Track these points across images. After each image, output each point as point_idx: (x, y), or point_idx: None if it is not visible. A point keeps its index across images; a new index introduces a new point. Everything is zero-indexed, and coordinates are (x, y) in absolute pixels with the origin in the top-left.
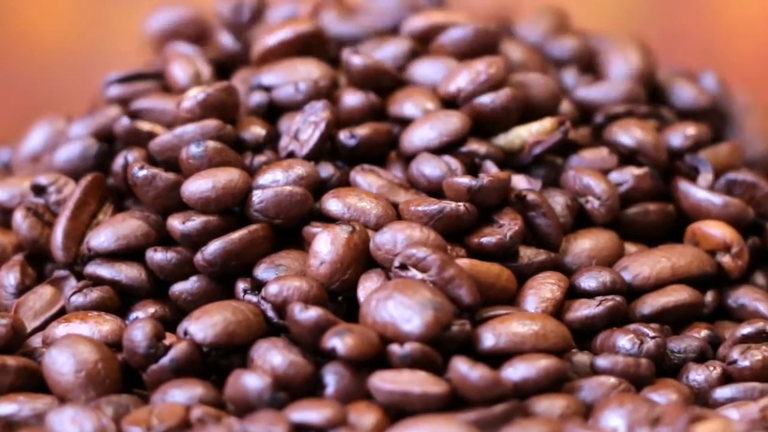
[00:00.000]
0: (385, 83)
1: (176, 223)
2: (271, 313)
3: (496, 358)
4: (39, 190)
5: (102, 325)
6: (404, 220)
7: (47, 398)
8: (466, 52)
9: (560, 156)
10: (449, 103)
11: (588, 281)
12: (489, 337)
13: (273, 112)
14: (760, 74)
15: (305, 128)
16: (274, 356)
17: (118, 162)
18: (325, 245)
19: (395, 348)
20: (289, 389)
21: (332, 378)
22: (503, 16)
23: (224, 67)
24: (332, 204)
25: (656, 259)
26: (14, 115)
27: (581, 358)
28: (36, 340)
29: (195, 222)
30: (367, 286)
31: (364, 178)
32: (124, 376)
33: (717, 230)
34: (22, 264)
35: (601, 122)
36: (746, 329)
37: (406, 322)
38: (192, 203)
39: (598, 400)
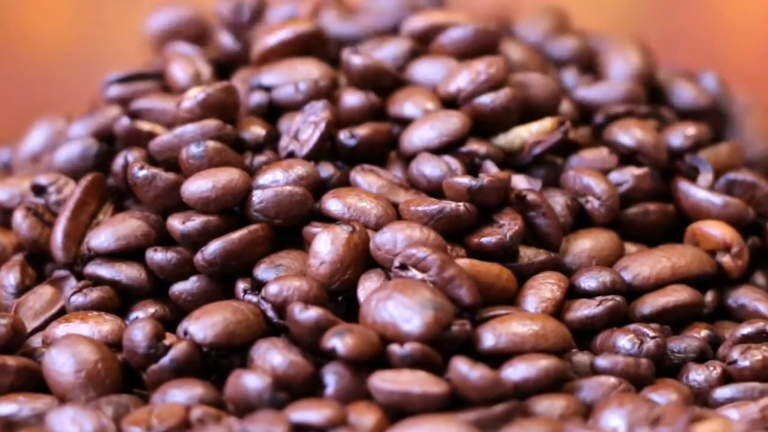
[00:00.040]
0: (385, 83)
1: (176, 223)
2: (271, 313)
3: (496, 358)
4: (39, 190)
5: (102, 325)
6: (404, 220)
7: (47, 398)
8: (465, 52)
9: (560, 156)
10: (449, 103)
11: (588, 281)
12: (489, 337)
13: (273, 112)
14: (760, 74)
15: (305, 128)
16: (274, 356)
17: (118, 162)
18: (325, 245)
19: (395, 348)
20: (289, 389)
21: (332, 378)
22: (503, 16)
23: (224, 67)
24: (332, 204)
25: (656, 259)
26: (14, 115)
27: (581, 358)
28: (36, 340)
29: (195, 222)
30: (367, 286)
31: (364, 178)
32: (124, 376)
33: (717, 230)
34: (22, 264)
35: (601, 122)
36: (746, 329)
37: (406, 322)
38: (192, 203)
39: (598, 400)
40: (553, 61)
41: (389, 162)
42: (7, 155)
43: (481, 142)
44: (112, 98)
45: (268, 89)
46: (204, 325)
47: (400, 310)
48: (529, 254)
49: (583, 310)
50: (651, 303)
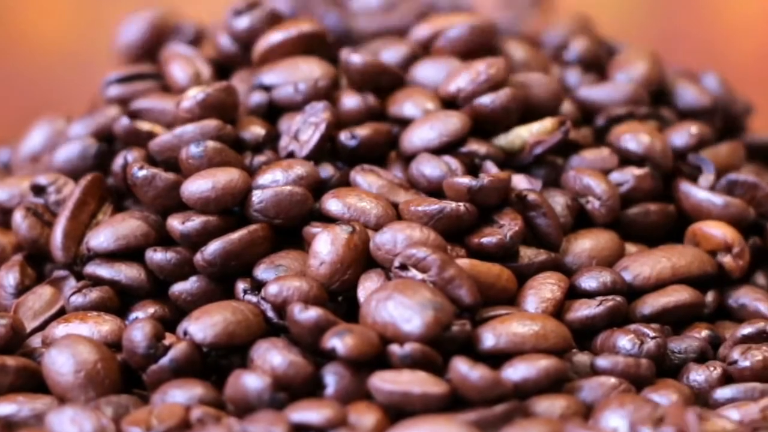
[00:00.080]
0: (385, 82)
1: (176, 223)
2: (270, 314)
3: (496, 359)
4: (38, 190)
5: (101, 326)
6: (404, 220)
7: (47, 398)
8: (464, 51)
9: (561, 156)
10: (449, 103)
11: (588, 281)
12: (489, 338)
13: (273, 112)
14: (760, 74)
15: (305, 129)
16: (273, 356)
17: (118, 162)
18: (325, 245)
19: (395, 348)
20: (289, 389)
21: (332, 378)
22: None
23: (224, 67)
24: (332, 204)
25: (657, 259)
26: (14, 115)
27: (581, 358)
28: (35, 341)
29: (194, 222)
30: (367, 287)
31: (364, 178)
32: (124, 377)
33: (718, 230)
34: (21, 264)
35: (603, 124)
36: (747, 329)
37: (406, 322)
38: (191, 203)
39: (598, 401)
40: (563, 62)
41: (389, 162)
42: (6, 155)
43: (481, 143)
44: (112, 98)
45: (268, 89)
46: (204, 326)
47: (400, 310)
48: (529, 254)
49: (584, 310)
50: (651, 303)
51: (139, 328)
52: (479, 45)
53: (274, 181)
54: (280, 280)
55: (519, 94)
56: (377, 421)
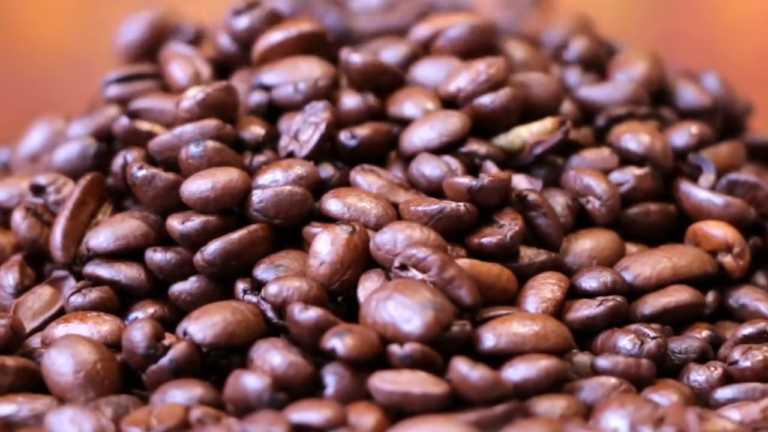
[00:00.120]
0: (385, 82)
1: (175, 224)
2: (270, 314)
3: (496, 359)
4: (38, 190)
5: (101, 326)
6: (404, 220)
7: (46, 399)
8: (464, 51)
9: (561, 156)
10: (449, 103)
11: (589, 281)
12: (489, 338)
13: (273, 111)
14: (760, 74)
15: (305, 129)
16: (273, 356)
17: (117, 162)
18: (325, 245)
19: (395, 348)
20: (289, 390)
21: (332, 378)
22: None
23: (224, 67)
24: (332, 204)
25: (657, 259)
26: (14, 115)
27: (582, 358)
28: (35, 341)
29: (194, 222)
30: (367, 287)
31: (364, 178)
32: (124, 377)
33: (718, 230)
34: (21, 264)
35: (603, 124)
36: (747, 329)
37: (406, 322)
38: (191, 203)
39: (598, 401)
40: (563, 61)
41: (389, 162)
42: (6, 155)
43: (481, 143)
44: (111, 98)
45: (268, 88)
46: (203, 326)
47: (400, 310)
48: (529, 254)
49: (584, 310)
50: (652, 303)
51: (138, 328)
52: (479, 45)
53: (274, 181)
54: (280, 280)
55: (519, 94)
56: (377, 421)
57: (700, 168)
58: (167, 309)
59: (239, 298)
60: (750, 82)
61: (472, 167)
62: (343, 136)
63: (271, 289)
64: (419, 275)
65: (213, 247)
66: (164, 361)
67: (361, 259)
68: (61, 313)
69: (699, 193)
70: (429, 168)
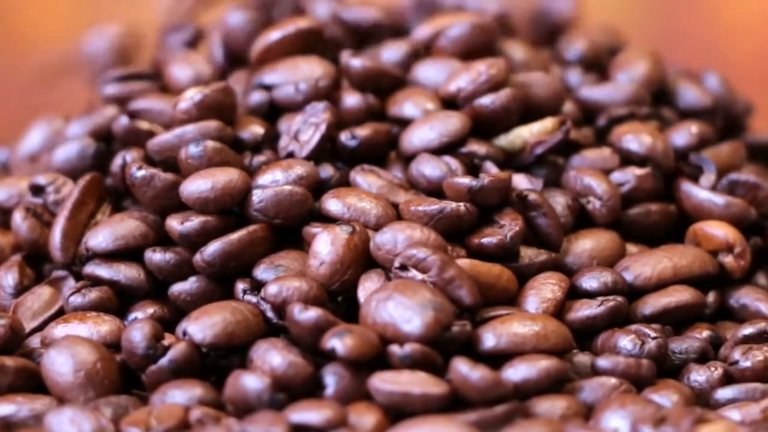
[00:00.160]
0: (386, 84)
1: (175, 224)
2: (270, 314)
3: (496, 359)
4: (37, 190)
5: (101, 326)
6: (404, 220)
7: (46, 399)
8: (464, 50)
9: (562, 156)
10: (449, 103)
11: (589, 281)
12: (490, 338)
13: (274, 111)
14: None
15: (305, 129)
16: (273, 357)
17: (117, 162)
18: (325, 245)
19: (395, 349)
20: (289, 390)
21: (332, 378)
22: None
23: (223, 67)
24: (332, 204)
25: (658, 259)
26: (13, 115)
27: (582, 358)
28: (35, 341)
29: (194, 222)
30: (367, 287)
31: (364, 178)
32: (123, 377)
33: (719, 230)
34: (20, 264)
35: (604, 124)
36: (748, 330)
37: (406, 322)
38: (191, 203)
39: (599, 401)
40: (564, 62)
41: (389, 162)
42: (5, 155)
43: (482, 143)
44: (109, 97)
45: (268, 88)
46: (203, 326)
47: (400, 310)
48: (529, 254)
49: (584, 310)
50: (652, 303)
51: (138, 328)
52: (480, 44)
53: (274, 181)
54: (280, 280)
55: (519, 95)
56: (377, 421)
57: (701, 168)
58: (167, 309)
59: (239, 299)
60: (750, 82)
61: (472, 167)
62: (344, 136)
63: (271, 290)
64: (419, 275)
65: (212, 248)
66: (164, 361)
67: (361, 259)
68: (60, 314)
69: (700, 193)
70: (429, 168)
